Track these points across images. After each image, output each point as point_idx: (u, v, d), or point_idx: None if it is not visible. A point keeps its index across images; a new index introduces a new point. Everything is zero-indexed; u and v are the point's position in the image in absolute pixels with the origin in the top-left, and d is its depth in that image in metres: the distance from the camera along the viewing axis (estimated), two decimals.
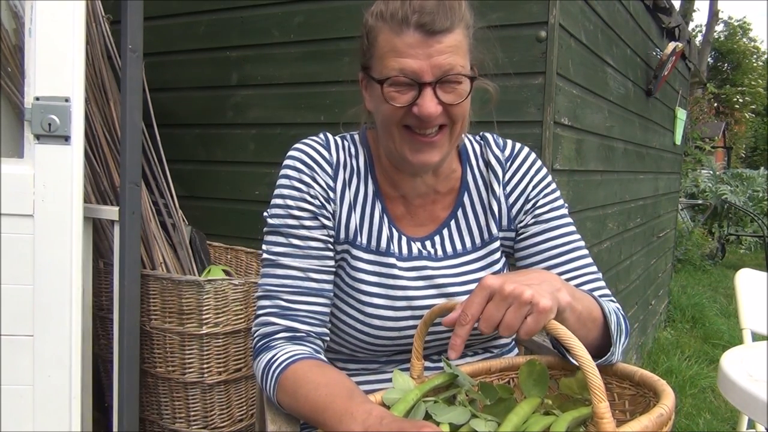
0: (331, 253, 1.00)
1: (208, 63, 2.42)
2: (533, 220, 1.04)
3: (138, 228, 1.78)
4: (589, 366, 0.66)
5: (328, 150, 1.02)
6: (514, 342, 1.15)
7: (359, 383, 0.97)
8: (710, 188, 9.09)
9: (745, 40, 33.93)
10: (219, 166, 2.44)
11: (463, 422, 0.77)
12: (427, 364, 0.97)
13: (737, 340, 3.24)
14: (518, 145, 1.09)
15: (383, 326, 0.98)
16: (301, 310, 0.95)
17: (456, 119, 0.93)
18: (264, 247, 1.00)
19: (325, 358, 0.96)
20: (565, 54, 1.92)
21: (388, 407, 0.78)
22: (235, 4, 2.32)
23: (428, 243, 1.03)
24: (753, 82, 30.32)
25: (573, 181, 2.14)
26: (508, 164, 1.06)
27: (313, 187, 0.98)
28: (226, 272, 2.18)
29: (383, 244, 1.01)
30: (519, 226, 1.05)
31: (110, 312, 1.93)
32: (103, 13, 2.07)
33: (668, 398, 0.74)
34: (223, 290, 1.85)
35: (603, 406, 0.64)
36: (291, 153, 1.02)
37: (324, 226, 0.99)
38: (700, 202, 8.92)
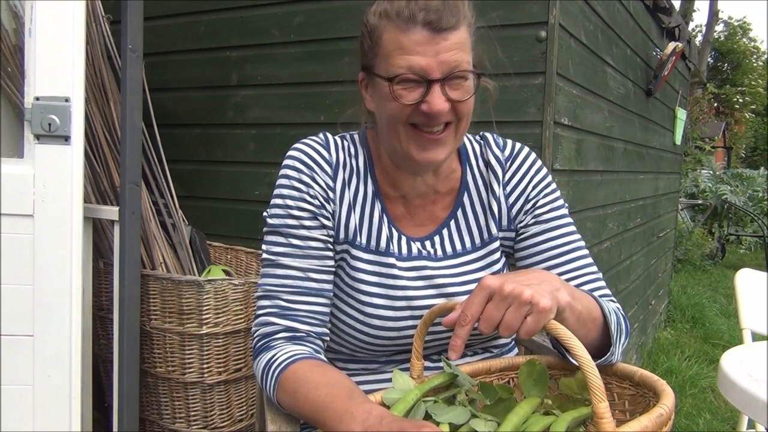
0: (330, 253, 1.00)
1: (208, 63, 2.42)
2: (533, 220, 1.04)
3: (138, 228, 1.78)
4: (589, 366, 0.66)
5: (328, 150, 1.02)
6: (513, 342, 1.15)
7: (359, 383, 0.97)
8: (710, 188, 9.08)
9: (745, 40, 33.92)
10: (219, 166, 2.44)
11: (462, 422, 0.77)
12: (427, 364, 0.97)
13: (737, 340, 3.24)
14: (518, 145, 1.09)
15: (383, 326, 0.98)
16: (300, 310, 0.96)
17: (462, 116, 0.93)
18: (264, 247, 1.00)
19: (325, 358, 0.96)
20: (565, 54, 1.92)
21: (388, 407, 0.78)
22: (235, 4, 2.32)
23: (428, 243, 1.03)
24: (753, 82, 30.31)
25: (573, 181, 2.14)
26: (508, 164, 1.06)
27: (312, 187, 0.98)
28: (226, 272, 2.18)
29: (383, 244, 1.01)
30: (519, 226, 1.05)
31: (110, 312, 1.93)
32: (103, 13, 2.07)
33: (668, 398, 0.74)
34: (223, 290, 1.85)
35: (603, 406, 0.65)
36: (290, 153, 1.02)
37: (324, 226, 0.99)
38: (700, 202, 8.92)
